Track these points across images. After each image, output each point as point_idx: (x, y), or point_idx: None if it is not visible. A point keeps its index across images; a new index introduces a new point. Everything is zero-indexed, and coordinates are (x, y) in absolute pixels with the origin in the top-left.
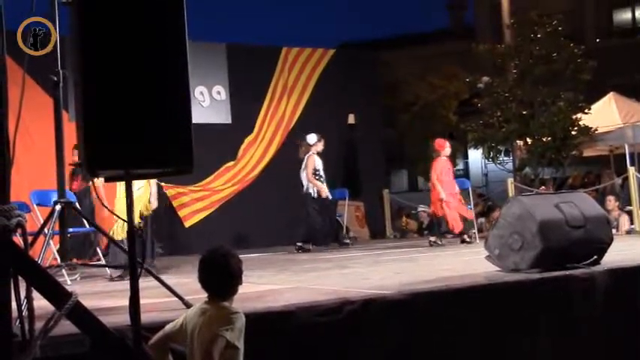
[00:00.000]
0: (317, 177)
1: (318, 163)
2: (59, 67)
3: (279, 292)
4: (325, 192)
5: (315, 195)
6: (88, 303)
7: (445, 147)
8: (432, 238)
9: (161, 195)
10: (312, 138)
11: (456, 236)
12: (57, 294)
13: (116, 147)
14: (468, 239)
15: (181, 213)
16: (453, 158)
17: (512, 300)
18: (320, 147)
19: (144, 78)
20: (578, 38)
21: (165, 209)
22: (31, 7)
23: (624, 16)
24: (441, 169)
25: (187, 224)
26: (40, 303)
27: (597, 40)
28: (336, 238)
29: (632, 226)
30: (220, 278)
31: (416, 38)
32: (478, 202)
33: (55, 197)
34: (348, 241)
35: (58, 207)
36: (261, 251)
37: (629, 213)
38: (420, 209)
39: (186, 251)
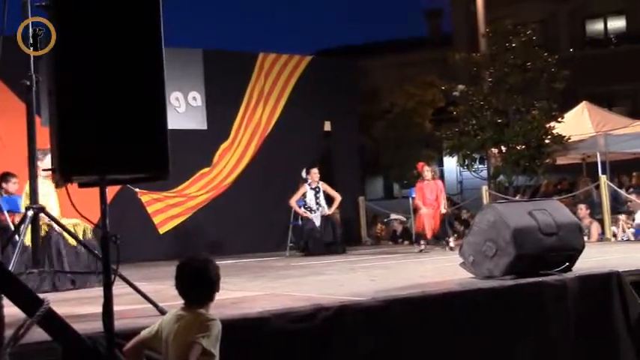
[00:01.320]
0: (304, 206)
1: (308, 195)
2: (32, 71)
3: (254, 298)
4: (302, 213)
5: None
6: (61, 310)
7: (422, 170)
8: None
9: None
10: (303, 173)
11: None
12: (28, 300)
13: (91, 152)
14: (452, 244)
15: (156, 219)
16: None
17: (485, 306)
18: (312, 178)
19: (119, 83)
20: (552, 48)
21: (140, 215)
22: (3, 12)
23: (597, 26)
24: (417, 191)
25: (162, 230)
26: (11, 310)
27: (571, 50)
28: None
29: (603, 234)
30: (198, 285)
31: (393, 46)
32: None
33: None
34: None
35: (30, 213)
36: (236, 257)
37: (600, 221)
38: (391, 218)
39: (161, 258)
